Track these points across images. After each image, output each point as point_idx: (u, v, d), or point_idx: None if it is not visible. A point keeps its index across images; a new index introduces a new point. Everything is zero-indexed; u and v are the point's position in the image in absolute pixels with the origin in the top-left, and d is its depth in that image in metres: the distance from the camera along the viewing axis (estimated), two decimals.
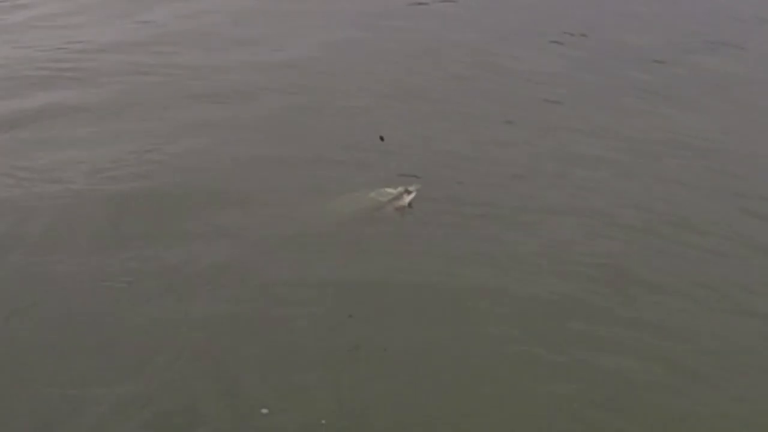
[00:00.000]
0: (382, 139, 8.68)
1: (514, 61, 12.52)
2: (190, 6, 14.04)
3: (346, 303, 6.88)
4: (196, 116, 9.79)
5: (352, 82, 11.34)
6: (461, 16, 14.69)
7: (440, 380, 6.21)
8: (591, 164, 9.38)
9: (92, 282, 6.88)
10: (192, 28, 12.99)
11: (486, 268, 7.50)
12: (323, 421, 5.71)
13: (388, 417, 5.85)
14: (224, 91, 10.62)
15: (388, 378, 6.18)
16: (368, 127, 9.34)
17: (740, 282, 7.59)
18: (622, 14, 15.27)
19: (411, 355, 6.43)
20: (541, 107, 10.97)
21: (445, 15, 14.66)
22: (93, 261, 7.12)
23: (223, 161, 8.83)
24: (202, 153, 8.96)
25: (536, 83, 11.79)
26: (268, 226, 7.83)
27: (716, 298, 7.37)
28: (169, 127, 9.48)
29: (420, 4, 15.01)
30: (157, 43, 12.13)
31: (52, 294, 6.74)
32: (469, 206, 8.35)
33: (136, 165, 8.59)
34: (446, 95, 11.18)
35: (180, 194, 8.13)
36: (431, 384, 6.17)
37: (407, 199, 8.19)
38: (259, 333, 6.51)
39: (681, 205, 8.76)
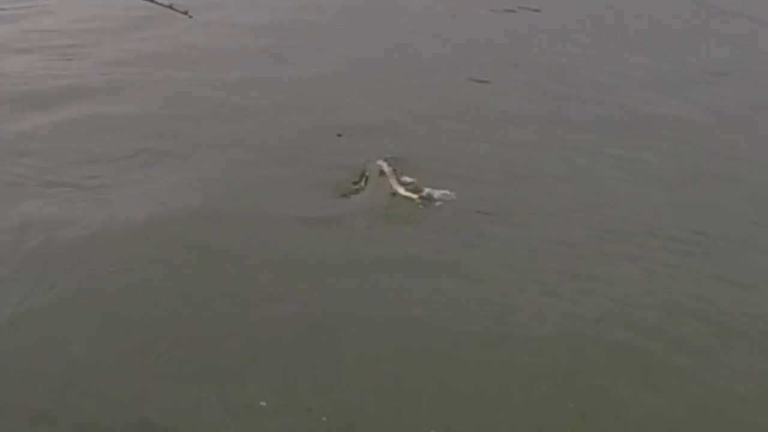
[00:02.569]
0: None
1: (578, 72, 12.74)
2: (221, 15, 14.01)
3: (347, 299, 6.86)
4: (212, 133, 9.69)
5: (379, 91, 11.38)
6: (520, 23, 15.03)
7: (444, 379, 6.16)
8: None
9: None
10: (222, 40, 12.91)
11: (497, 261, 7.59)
12: (324, 419, 5.67)
13: (390, 416, 5.79)
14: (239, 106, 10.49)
15: (391, 376, 6.13)
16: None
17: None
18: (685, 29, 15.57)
19: (415, 353, 6.38)
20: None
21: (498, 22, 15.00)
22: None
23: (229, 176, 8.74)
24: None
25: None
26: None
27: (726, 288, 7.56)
28: (190, 143, 9.34)
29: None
30: (182, 55, 12.04)
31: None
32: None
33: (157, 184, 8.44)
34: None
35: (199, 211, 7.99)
36: (434, 382, 6.12)
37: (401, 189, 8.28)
38: (261, 329, 6.49)
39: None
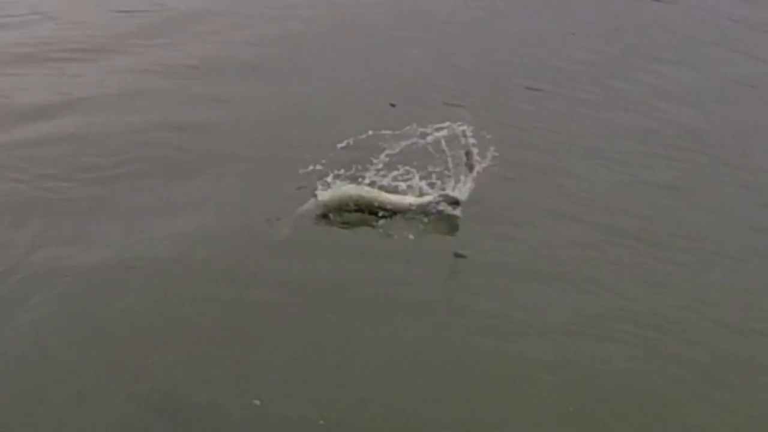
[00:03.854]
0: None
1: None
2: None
3: (345, 301, 6.92)
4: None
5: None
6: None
7: (444, 378, 6.20)
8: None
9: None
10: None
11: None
12: (321, 422, 5.69)
13: (390, 416, 5.82)
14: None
15: (391, 375, 6.17)
16: None
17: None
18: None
19: (415, 352, 6.42)
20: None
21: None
22: None
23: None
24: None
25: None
26: None
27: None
28: (197, 154, 9.37)
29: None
30: (186, 64, 12.03)
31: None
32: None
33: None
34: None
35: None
36: (434, 382, 6.16)
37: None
38: (262, 331, 6.56)
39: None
